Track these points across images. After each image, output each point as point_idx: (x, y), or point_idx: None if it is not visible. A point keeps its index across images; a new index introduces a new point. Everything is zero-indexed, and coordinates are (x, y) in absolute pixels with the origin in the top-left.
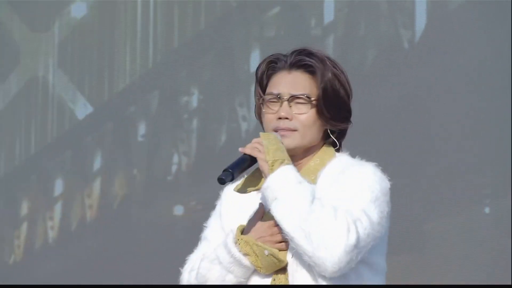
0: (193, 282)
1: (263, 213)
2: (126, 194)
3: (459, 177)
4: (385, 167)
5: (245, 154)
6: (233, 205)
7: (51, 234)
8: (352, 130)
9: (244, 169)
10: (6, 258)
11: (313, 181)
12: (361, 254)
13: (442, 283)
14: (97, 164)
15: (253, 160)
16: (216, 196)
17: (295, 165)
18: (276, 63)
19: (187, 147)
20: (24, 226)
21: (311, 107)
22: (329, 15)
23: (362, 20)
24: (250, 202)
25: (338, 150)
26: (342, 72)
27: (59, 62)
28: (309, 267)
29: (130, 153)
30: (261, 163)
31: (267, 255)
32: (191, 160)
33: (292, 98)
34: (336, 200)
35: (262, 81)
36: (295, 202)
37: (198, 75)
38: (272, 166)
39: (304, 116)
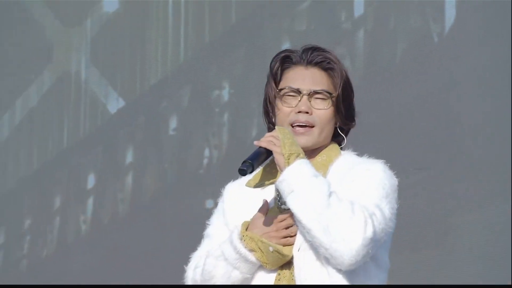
0: (198, 279)
1: (267, 209)
2: (158, 188)
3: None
4: (412, 161)
5: (260, 147)
6: (237, 202)
7: (84, 228)
8: (380, 124)
9: (262, 161)
10: (39, 252)
11: (323, 175)
12: (375, 248)
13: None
14: (129, 158)
15: (268, 153)
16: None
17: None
18: (291, 59)
19: (218, 140)
20: (57, 220)
21: (331, 104)
22: (359, 9)
23: (392, 14)
24: (254, 198)
25: (342, 148)
26: (347, 72)
27: (91, 57)
28: (316, 261)
29: (161, 147)
30: (277, 157)
31: (272, 252)
32: (222, 154)
33: (313, 93)
34: (349, 195)
35: (276, 76)
36: (312, 195)
37: (229, 69)
38: (288, 159)
39: (323, 112)
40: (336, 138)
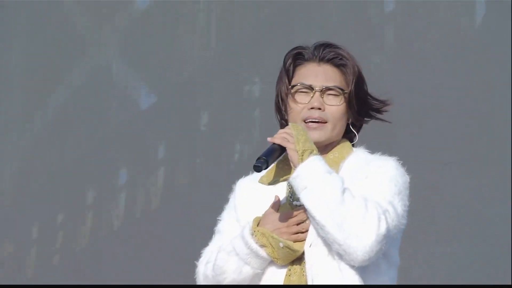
0: (209, 274)
1: (279, 205)
2: (189, 183)
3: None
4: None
5: (274, 143)
6: (248, 198)
7: (116, 223)
8: (418, 118)
9: (276, 158)
10: (73, 245)
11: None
12: (388, 244)
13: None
14: (161, 153)
15: (282, 150)
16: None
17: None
18: (303, 55)
19: (249, 136)
20: (90, 215)
21: (343, 100)
22: (388, 5)
23: (421, 10)
24: (266, 194)
25: (354, 145)
26: (360, 67)
27: (123, 53)
28: (327, 257)
29: (193, 143)
30: (291, 153)
31: (282, 247)
32: (252, 149)
33: (325, 89)
34: (362, 192)
35: (289, 73)
36: (326, 191)
37: (260, 64)
38: (302, 155)
39: (336, 108)
40: (348, 135)
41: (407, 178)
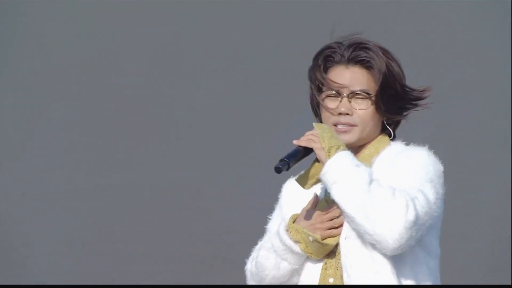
0: (253, 270)
1: (316, 202)
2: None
3: None
4: None
5: (299, 146)
6: (293, 196)
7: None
8: (418, 118)
9: (298, 160)
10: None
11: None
12: (420, 232)
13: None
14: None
15: (306, 152)
16: None
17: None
18: (333, 57)
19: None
20: None
21: (371, 103)
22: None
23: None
24: (308, 193)
25: (393, 139)
26: (396, 61)
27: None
28: (362, 248)
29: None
30: (318, 152)
31: (312, 241)
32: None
33: (352, 94)
34: (392, 182)
35: (319, 75)
36: (354, 184)
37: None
38: (329, 152)
39: (364, 112)
40: (387, 130)
41: (440, 166)
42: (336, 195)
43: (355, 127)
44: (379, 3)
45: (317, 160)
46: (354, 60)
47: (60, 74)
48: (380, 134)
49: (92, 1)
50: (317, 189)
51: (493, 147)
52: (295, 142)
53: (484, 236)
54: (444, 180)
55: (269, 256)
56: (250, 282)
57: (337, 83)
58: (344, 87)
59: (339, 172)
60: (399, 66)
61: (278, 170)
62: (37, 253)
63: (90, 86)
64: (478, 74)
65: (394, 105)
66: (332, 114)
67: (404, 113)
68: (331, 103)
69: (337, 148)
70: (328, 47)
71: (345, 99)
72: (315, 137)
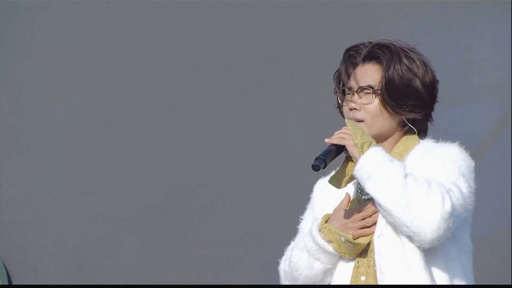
0: (287, 270)
1: (348, 202)
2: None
3: None
4: None
5: (332, 144)
6: (324, 196)
7: None
8: None
9: (333, 158)
10: None
11: None
12: (456, 224)
13: None
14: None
15: (338, 150)
16: None
17: None
18: (355, 57)
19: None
20: None
21: (375, 96)
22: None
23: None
24: (340, 193)
25: (422, 137)
26: (422, 62)
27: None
28: (395, 246)
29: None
30: (350, 149)
31: (344, 241)
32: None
33: (360, 89)
34: (426, 176)
35: (344, 75)
36: (389, 177)
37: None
38: (362, 148)
39: (369, 106)
40: (418, 130)
41: (471, 162)
42: (371, 190)
43: (363, 122)
44: (379, 3)
45: (347, 159)
46: (369, 57)
47: (57, 74)
48: (405, 132)
49: (92, 1)
50: (348, 189)
51: (493, 147)
52: (327, 140)
53: (484, 236)
54: None
55: (302, 256)
56: (284, 282)
57: (348, 79)
58: (355, 84)
59: (374, 166)
60: (425, 68)
61: (316, 168)
62: (40, 253)
63: (89, 86)
64: (478, 74)
65: (406, 103)
66: (349, 110)
67: (417, 111)
68: (347, 100)
69: (370, 144)
70: (355, 46)
71: (355, 95)
72: (346, 134)
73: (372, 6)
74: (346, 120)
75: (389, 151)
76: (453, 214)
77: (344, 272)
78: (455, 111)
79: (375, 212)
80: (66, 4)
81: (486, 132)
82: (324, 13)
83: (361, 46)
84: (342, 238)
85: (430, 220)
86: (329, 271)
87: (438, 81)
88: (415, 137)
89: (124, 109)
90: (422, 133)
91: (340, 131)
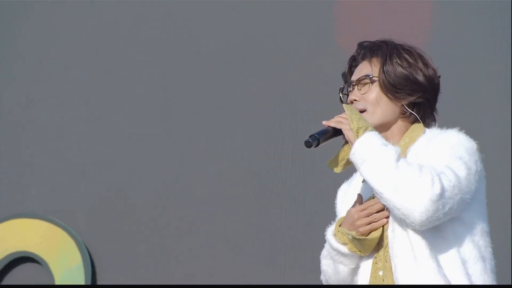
0: (323, 280)
1: (361, 202)
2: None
3: None
4: None
5: (329, 126)
6: (346, 200)
7: None
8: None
9: (327, 139)
10: None
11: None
12: (448, 205)
13: None
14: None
15: (335, 133)
16: None
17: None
18: (356, 59)
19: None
20: None
21: (373, 84)
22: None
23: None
24: (359, 193)
25: (429, 127)
26: (419, 55)
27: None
28: (403, 238)
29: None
30: (346, 133)
31: (352, 239)
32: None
33: (358, 81)
34: (423, 161)
35: (348, 76)
36: (382, 161)
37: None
38: (357, 133)
39: (368, 95)
40: (427, 120)
41: (472, 144)
42: (365, 173)
43: (365, 112)
44: (378, 3)
45: (346, 143)
46: (366, 54)
47: (53, 74)
48: (411, 122)
49: (91, 1)
50: (364, 188)
51: (493, 147)
52: (324, 122)
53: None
54: None
55: (328, 263)
56: None
57: (347, 77)
58: (353, 77)
59: (368, 151)
60: (418, 57)
61: (307, 144)
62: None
63: (88, 87)
64: (478, 74)
65: (405, 86)
66: (351, 103)
67: (416, 95)
68: (349, 96)
69: (366, 129)
70: (357, 47)
71: (355, 88)
72: (344, 119)
73: (372, 6)
74: (343, 105)
75: (396, 142)
76: (443, 196)
77: (365, 269)
78: (455, 111)
79: (382, 207)
80: (65, 4)
81: (486, 132)
82: (324, 13)
83: (358, 49)
84: (349, 236)
85: (418, 202)
86: (355, 271)
87: (438, 74)
88: (420, 127)
89: (115, 107)
90: (428, 121)
91: (339, 115)
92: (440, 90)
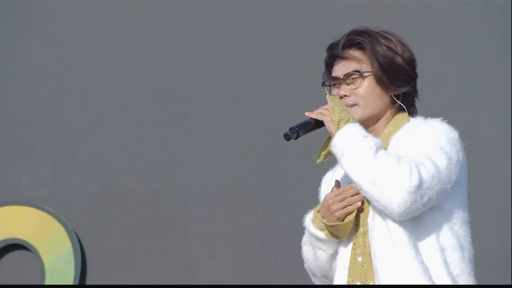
0: (306, 267)
1: (338, 188)
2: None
3: None
4: None
5: (311, 118)
6: (330, 188)
7: None
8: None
9: (308, 131)
10: None
11: (386, 146)
12: (427, 196)
13: None
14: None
15: (317, 124)
16: None
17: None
18: (336, 49)
19: None
20: None
21: (363, 79)
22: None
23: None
24: (343, 182)
25: (414, 116)
26: (398, 40)
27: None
28: (382, 224)
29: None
30: (328, 125)
31: (329, 225)
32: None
33: (346, 76)
34: (401, 152)
35: (329, 68)
36: (361, 153)
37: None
38: (338, 125)
39: (359, 90)
40: (408, 107)
41: (453, 134)
42: (345, 166)
43: (356, 106)
44: (378, 3)
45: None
46: (348, 44)
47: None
48: (397, 110)
49: (92, 1)
50: (345, 177)
51: (493, 147)
52: (307, 114)
53: (484, 236)
54: None
55: (308, 249)
56: (312, 279)
57: (332, 75)
58: (340, 73)
59: (347, 143)
60: (403, 46)
61: (286, 137)
62: None
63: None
64: (478, 74)
65: (397, 78)
66: (340, 98)
67: (404, 86)
68: (335, 91)
69: (347, 121)
70: (330, 45)
71: (342, 83)
72: (326, 111)
73: (371, 6)
74: (327, 96)
75: (381, 131)
76: (421, 187)
77: (344, 255)
78: (455, 111)
79: (357, 191)
80: (66, 4)
81: (486, 132)
82: (324, 13)
83: (335, 42)
84: (323, 221)
85: (395, 194)
86: (334, 257)
87: (415, 58)
88: (405, 116)
89: (108, 97)
90: (410, 107)
91: (322, 106)
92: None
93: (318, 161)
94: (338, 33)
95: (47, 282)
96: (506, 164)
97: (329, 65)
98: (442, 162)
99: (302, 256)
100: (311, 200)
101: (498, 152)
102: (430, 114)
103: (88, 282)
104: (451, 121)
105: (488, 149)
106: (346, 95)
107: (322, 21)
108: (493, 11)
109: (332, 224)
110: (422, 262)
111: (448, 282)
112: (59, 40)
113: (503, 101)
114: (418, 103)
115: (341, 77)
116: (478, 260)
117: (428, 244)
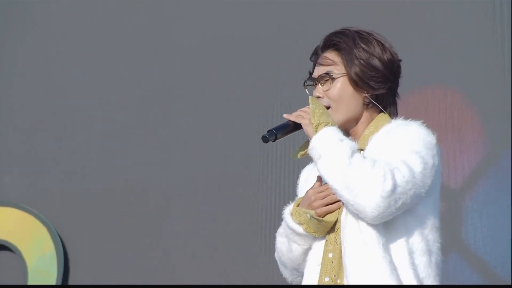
0: (277, 257)
1: (320, 185)
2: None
3: None
4: None
5: (289, 120)
6: (307, 182)
7: None
8: (417, 115)
9: (287, 133)
10: None
11: (365, 147)
12: (401, 201)
13: None
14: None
15: (295, 127)
16: None
17: (351, 135)
18: (316, 50)
19: None
20: None
21: (334, 81)
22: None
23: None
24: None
25: (395, 117)
26: (378, 42)
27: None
28: (354, 223)
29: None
30: (306, 128)
31: (310, 218)
32: None
33: (320, 78)
34: (378, 155)
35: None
36: (336, 157)
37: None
38: (317, 128)
39: (330, 92)
40: (390, 108)
41: (431, 138)
42: (320, 170)
43: (330, 109)
44: (378, 3)
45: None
46: (326, 46)
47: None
48: (378, 111)
49: (91, 1)
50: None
51: (493, 146)
52: (285, 116)
53: (484, 236)
54: (445, 180)
55: (283, 241)
56: (280, 268)
57: (310, 75)
58: (316, 74)
59: (324, 147)
60: (383, 48)
61: (264, 139)
62: None
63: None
64: (478, 74)
65: (371, 80)
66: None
67: (380, 88)
68: (312, 91)
69: (326, 125)
70: (315, 48)
71: (318, 85)
72: (305, 113)
73: (371, 6)
74: (309, 98)
75: (361, 133)
76: (395, 192)
77: (316, 250)
78: (455, 112)
79: None
80: (65, 4)
81: (486, 132)
82: (324, 13)
83: (317, 46)
84: (308, 216)
85: (369, 199)
86: (307, 252)
87: (399, 59)
88: (386, 117)
89: (94, 109)
90: (390, 108)
91: (302, 109)
92: (401, 75)
93: (295, 158)
94: None
95: (30, 282)
96: (506, 164)
97: (314, 66)
98: (418, 167)
99: (275, 246)
100: None
101: (498, 151)
102: (430, 114)
103: (71, 282)
104: (451, 121)
105: (488, 148)
106: (319, 97)
107: (322, 21)
108: (493, 11)
109: (317, 218)
110: (390, 262)
111: (415, 283)
112: (47, 40)
113: (503, 101)
114: (417, 103)
115: (316, 79)
116: (479, 260)
117: (398, 245)
